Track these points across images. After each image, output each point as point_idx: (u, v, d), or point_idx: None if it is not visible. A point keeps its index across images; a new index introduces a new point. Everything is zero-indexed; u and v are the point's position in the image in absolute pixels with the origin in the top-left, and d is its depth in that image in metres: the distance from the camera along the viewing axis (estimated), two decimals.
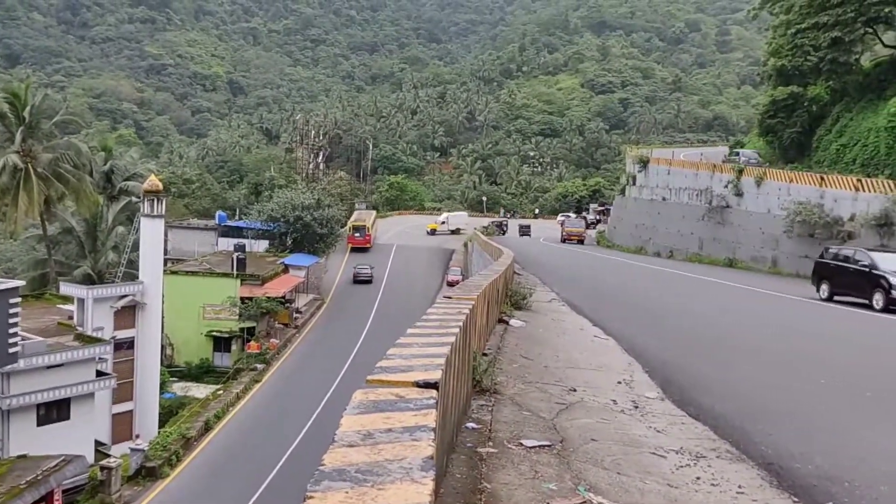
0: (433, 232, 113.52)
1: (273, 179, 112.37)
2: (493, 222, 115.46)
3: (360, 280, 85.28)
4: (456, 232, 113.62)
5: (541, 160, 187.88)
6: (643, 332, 19.83)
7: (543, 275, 35.92)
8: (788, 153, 62.03)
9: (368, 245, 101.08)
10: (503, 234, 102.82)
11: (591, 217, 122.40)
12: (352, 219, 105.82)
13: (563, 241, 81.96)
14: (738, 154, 69.68)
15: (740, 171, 57.42)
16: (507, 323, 18.21)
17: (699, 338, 18.95)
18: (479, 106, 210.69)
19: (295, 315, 71.11)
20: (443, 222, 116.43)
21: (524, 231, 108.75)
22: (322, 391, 51.46)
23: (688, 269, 46.41)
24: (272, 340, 63.38)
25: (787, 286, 36.25)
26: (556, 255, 59.85)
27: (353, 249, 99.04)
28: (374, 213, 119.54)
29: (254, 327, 64.23)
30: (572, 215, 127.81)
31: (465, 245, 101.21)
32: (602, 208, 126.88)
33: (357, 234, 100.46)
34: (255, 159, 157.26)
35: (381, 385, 4.34)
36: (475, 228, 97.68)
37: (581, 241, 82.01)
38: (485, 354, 12.61)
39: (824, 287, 29.95)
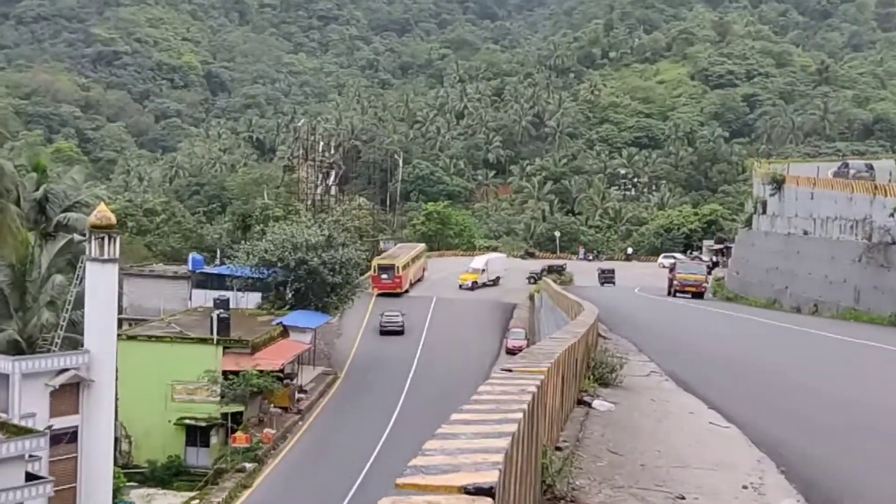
0: (472, 286, 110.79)
1: (267, 209, 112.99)
2: (545, 268, 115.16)
3: (388, 331, 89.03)
4: (495, 283, 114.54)
5: (635, 181, 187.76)
6: (777, 418, 19.63)
7: (639, 339, 35.74)
8: None
9: (399, 290, 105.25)
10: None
11: (704, 258, 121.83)
12: (381, 255, 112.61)
13: (674, 293, 78.05)
14: (846, 166, 70.27)
15: None
16: (588, 405, 18.18)
17: (854, 427, 18.75)
18: (549, 106, 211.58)
19: (297, 396, 71.16)
20: (482, 270, 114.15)
21: (606, 277, 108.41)
22: (335, 501, 51.35)
23: (839, 331, 45.85)
24: (266, 431, 63.42)
25: None
26: (657, 312, 59.49)
27: (381, 295, 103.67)
28: (420, 246, 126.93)
29: (241, 413, 64.36)
30: (680, 256, 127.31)
31: (531, 298, 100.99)
32: (720, 247, 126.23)
33: (384, 277, 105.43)
34: (243, 181, 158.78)
35: (415, 491, 4.37)
36: (536, 276, 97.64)
37: (700, 295, 78.14)
38: (558, 449, 12.61)
39: None
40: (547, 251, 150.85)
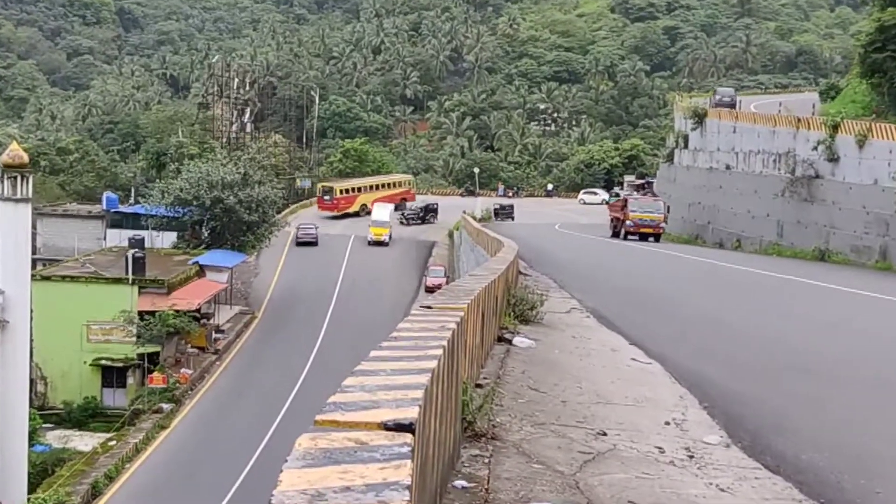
0: (386, 241, 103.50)
1: (182, 147, 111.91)
2: (496, 206, 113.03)
3: (303, 242, 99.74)
4: (423, 219, 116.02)
5: (555, 116, 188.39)
6: (700, 354, 19.88)
7: (559, 275, 35.95)
8: None
9: (336, 211, 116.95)
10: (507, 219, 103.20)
11: (624, 194, 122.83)
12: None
13: (625, 234, 67.97)
14: (714, 93, 72.66)
15: (835, 127, 57.63)
16: (509, 342, 18.24)
17: (778, 362, 19.04)
18: (467, 41, 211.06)
19: (215, 336, 71.01)
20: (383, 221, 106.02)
21: (505, 213, 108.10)
22: (254, 439, 51.42)
23: (762, 265, 46.55)
24: (183, 371, 63.30)
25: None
26: (577, 249, 59.94)
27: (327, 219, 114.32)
28: (397, 177, 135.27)
29: (158, 353, 64.13)
30: (600, 192, 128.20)
31: (450, 236, 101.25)
32: (641, 182, 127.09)
33: (325, 198, 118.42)
34: (157, 119, 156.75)
35: (335, 428, 4.34)
36: (470, 213, 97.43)
37: (658, 237, 67.45)
38: (479, 386, 12.63)
39: None
40: (485, 189, 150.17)
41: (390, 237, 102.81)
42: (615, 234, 69.79)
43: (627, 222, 67.63)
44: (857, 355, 20.41)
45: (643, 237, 66.38)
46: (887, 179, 52.21)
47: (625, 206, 69.66)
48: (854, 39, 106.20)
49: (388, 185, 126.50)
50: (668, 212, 68.67)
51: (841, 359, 19.91)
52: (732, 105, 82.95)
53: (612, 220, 73.47)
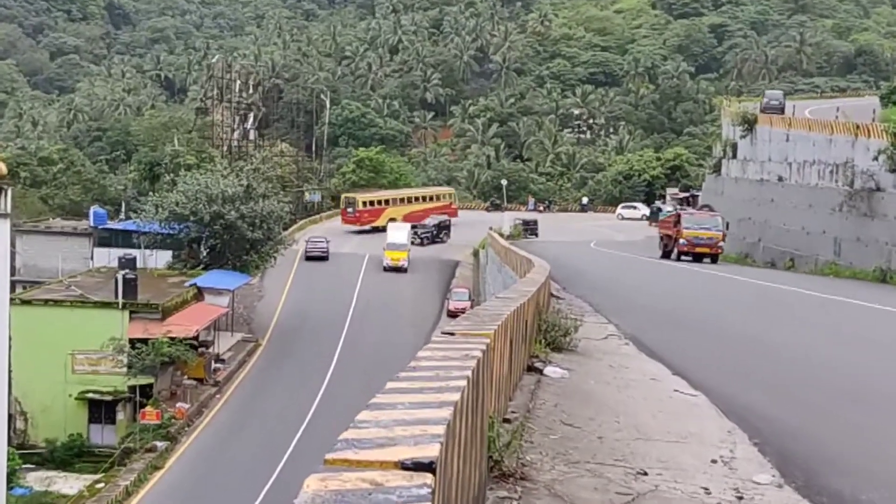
0: (396, 266, 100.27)
1: (178, 156, 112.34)
2: (517, 221, 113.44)
3: (312, 256, 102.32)
4: (434, 238, 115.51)
5: (591, 122, 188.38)
6: (749, 385, 19.85)
7: (595, 298, 35.92)
8: None
9: (357, 224, 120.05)
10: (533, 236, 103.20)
11: (667, 209, 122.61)
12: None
13: (678, 255, 65.52)
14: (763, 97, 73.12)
15: None
16: (540, 372, 18.26)
17: (837, 394, 19.02)
18: (494, 39, 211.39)
19: (214, 366, 71.04)
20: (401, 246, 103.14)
21: (529, 229, 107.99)
22: (257, 481, 51.40)
23: (817, 287, 46.42)
24: (179, 405, 63.30)
25: None
26: (615, 268, 59.87)
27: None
28: (449, 190, 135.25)
29: (151, 385, 64.17)
30: (640, 206, 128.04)
31: (475, 255, 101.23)
32: (685, 195, 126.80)
33: (348, 210, 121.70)
34: (150, 126, 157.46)
35: (347, 467, 4.36)
36: (496, 229, 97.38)
37: (715, 258, 65.34)
38: (507, 420, 12.66)
39: None
40: (513, 202, 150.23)
41: (409, 262, 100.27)
42: (666, 255, 68.12)
43: (681, 241, 64.87)
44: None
45: (697, 257, 64.23)
46: None
47: (677, 222, 66.42)
48: None
49: (424, 198, 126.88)
50: (727, 229, 66.19)
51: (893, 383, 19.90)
52: (781, 110, 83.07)
53: (661, 239, 71.89)
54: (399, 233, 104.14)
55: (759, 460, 13.32)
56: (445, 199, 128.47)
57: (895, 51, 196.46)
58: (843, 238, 61.57)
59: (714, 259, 64.60)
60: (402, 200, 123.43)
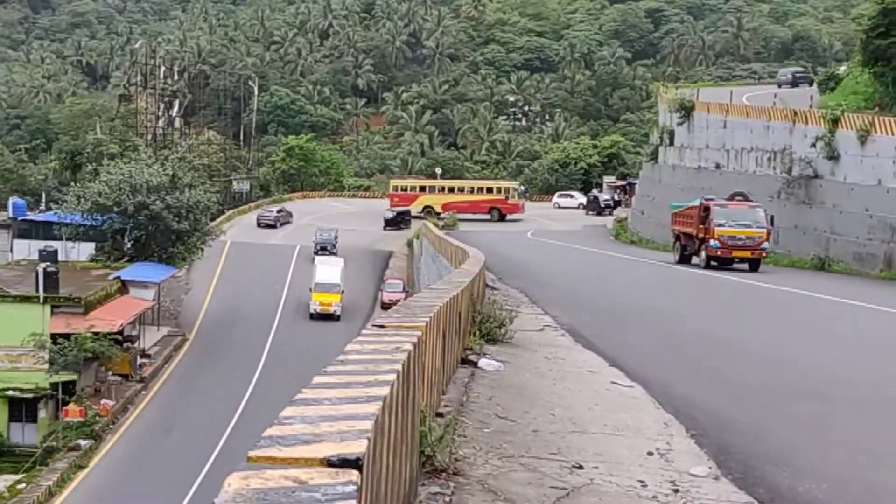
0: (336, 312, 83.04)
1: (100, 145, 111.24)
2: (385, 216, 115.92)
3: (264, 224, 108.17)
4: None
5: (526, 109, 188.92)
6: (688, 376, 20.01)
7: (532, 289, 36.06)
8: None
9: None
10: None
11: (604, 197, 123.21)
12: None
13: (707, 260, 51.82)
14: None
15: (835, 121, 58.07)
16: (474, 365, 18.28)
17: (779, 386, 19.19)
18: (426, 24, 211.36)
19: (140, 361, 70.56)
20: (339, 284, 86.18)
21: (395, 220, 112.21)
22: (184, 480, 51.14)
23: (757, 275, 46.88)
24: (104, 402, 62.81)
25: None
26: (552, 258, 60.06)
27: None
28: (511, 184, 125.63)
29: (74, 382, 63.63)
30: (576, 195, 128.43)
31: (409, 245, 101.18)
32: (622, 184, 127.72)
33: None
34: (71, 113, 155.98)
35: (270, 465, 4.33)
36: (426, 222, 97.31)
37: (757, 264, 51.16)
38: (439, 415, 12.66)
39: None
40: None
41: (342, 307, 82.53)
42: (684, 259, 54.78)
43: (711, 242, 51.01)
44: (865, 374, 20.62)
45: (723, 262, 51.02)
46: (892, 179, 52.68)
47: (706, 217, 52.28)
48: (855, 24, 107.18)
49: (476, 189, 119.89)
50: (773, 224, 52.99)
51: (847, 378, 20.10)
52: (796, 84, 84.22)
53: (677, 239, 56.94)
54: (330, 269, 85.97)
55: (696, 452, 13.42)
56: (500, 193, 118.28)
57: (832, 36, 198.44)
58: (781, 226, 61.98)
59: (754, 266, 50.97)
60: (441, 189, 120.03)
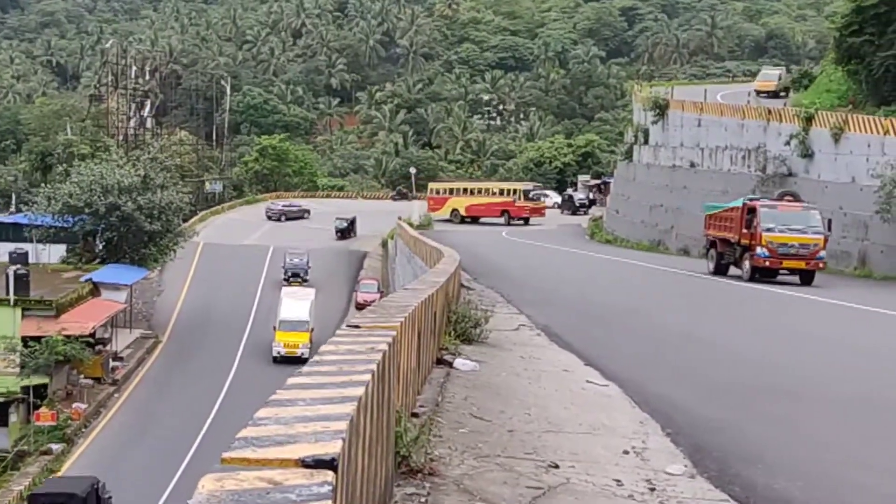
0: (304, 355, 67.31)
1: (71, 146, 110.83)
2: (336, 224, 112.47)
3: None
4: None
5: (501, 108, 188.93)
6: (664, 375, 20.07)
7: (507, 288, 36.12)
8: (882, 89, 63.05)
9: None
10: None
11: (579, 196, 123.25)
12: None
13: (752, 271, 44.94)
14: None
15: (809, 119, 58.33)
16: (449, 365, 18.30)
17: (755, 385, 19.28)
18: (400, 23, 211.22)
19: (112, 364, 70.30)
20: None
21: (345, 229, 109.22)
22: (158, 483, 51.00)
23: (732, 275, 46.98)
24: (76, 406, 62.56)
25: (892, 298, 36.94)
26: (526, 258, 60.11)
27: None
28: (518, 185, 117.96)
29: (45, 385, 63.35)
30: (551, 194, 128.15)
31: (384, 245, 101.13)
32: (597, 183, 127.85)
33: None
34: (41, 114, 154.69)
35: (245, 466, 4.34)
36: (406, 219, 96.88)
37: (810, 276, 44.84)
38: (415, 415, 12.68)
39: None
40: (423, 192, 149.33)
41: (310, 347, 68.00)
42: (720, 269, 48.09)
43: (759, 250, 44.43)
44: (839, 373, 20.78)
45: (767, 273, 44.87)
46: (865, 177, 52.89)
47: (751, 219, 45.58)
48: (829, 22, 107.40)
49: (492, 191, 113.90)
50: (830, 229, 46.50)
51: (821, 377, 20.25)
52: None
53: (712, 245, 50.16)
54: (298, 303, 75.43)
55: (672, 451, 13.48)
56: (509, 196, 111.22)
57: (805, 34, 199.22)
58: None
59: (807, 278, 44.66)
60: (466, 191, 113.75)
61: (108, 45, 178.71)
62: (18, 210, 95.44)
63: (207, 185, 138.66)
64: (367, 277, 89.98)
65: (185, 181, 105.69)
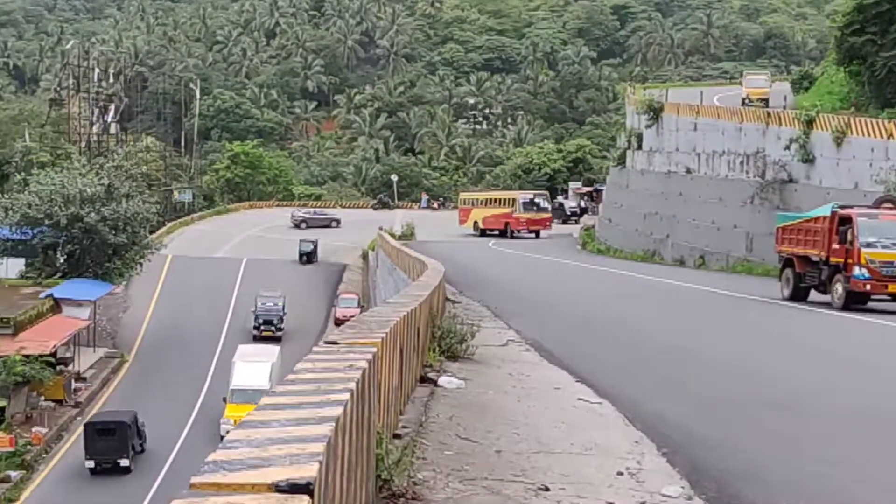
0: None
1: (30, 153, 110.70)
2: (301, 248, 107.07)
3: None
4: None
5: (487, 112, 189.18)
6: (658, 391, 20.09)
7: (494, 301, 36.14)
8: (885, 90, 63.26)
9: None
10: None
11: (570, 204, 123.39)
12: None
13: (844, 296, 37.81)
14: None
15: (809, 122, 58.45)
16: (434, 383, 18.29)
17: (753, 401, 19.29)
18: (380, 22, 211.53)
19: (75, 385, 70.09)
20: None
21: (311, 253, 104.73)
22: None
23: (730, 286, 47.04)
24: (35, 430, 62.36)
25: None
26: (514, 269, 60.15)
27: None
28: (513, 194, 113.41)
29: (3, 408, 63.20)
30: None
31: (364, 257, 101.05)
32: (589, 190, 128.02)
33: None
34: None
35: (214, 492, 4.32)
36: (387, 230, 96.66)
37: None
38: (397, 436, 12.66)
39: None
40: (407, 200, 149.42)
41: None
42: (798, 294, 41.00)
43: (856, 271, 37.59)
44: (840, 386, 20.85)
45: (861, 298, 38.12)
46: (869, 182, 52.99)
47: (844, 233, 38.68)
48: (829, 21, 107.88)
49: (501, 201, 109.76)
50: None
51: (821, 390, 20.30)
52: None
53: (787, 264, 42.66)
54: (255, 367, 62.21)
55: (668, 471, 13.47)
56: (508, 206, 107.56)
57: (805, 34, 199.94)
58: (755, 233, 62.37)
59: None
60: (484, 202, 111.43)
61: (68, 46, 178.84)
62: None
63: (176, 194, 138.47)
64: (347, 291, 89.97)
65: (152, 190, 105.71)
